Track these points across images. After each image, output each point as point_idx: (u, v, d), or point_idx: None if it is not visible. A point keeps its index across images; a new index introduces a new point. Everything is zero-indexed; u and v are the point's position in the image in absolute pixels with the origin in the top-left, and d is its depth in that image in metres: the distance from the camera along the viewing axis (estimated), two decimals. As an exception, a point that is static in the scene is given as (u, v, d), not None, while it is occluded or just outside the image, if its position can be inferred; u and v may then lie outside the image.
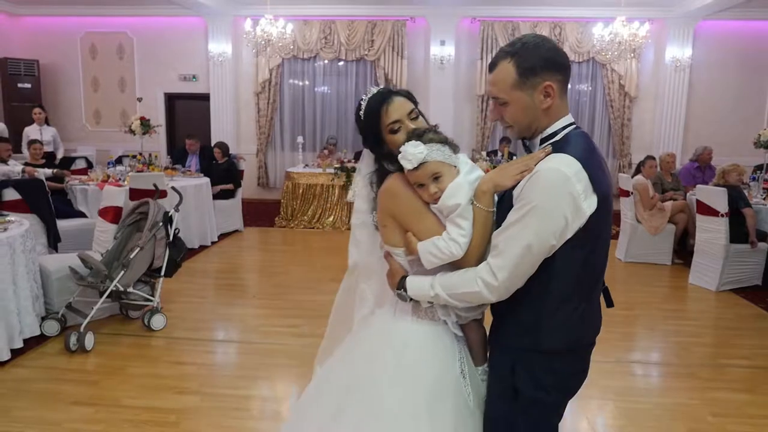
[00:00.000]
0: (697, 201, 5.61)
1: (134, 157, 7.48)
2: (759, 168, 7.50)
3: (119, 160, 7.62)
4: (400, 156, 1.54)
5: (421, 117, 1.67)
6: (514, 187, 1.45)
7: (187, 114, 10.71)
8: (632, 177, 6.53)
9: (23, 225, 3.84)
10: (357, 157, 9.08)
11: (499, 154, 8.82)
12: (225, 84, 10.07)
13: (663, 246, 6.37)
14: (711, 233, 5.42)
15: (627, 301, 5.00)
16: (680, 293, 5.50)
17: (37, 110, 7.97)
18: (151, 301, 4.12)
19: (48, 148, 7.47)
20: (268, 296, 5.09)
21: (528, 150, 1.59)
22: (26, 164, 6.17)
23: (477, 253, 1.48)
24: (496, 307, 1.59)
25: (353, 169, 8.04)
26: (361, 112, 1.66)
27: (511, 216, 1.42)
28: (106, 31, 10.27)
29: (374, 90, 1.67)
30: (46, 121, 8.22)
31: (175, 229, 4.18)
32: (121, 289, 3.87)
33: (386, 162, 1.66)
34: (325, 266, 6.12)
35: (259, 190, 10.46)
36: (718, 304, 5.10)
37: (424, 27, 9.78)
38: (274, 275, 5.83)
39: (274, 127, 10.34)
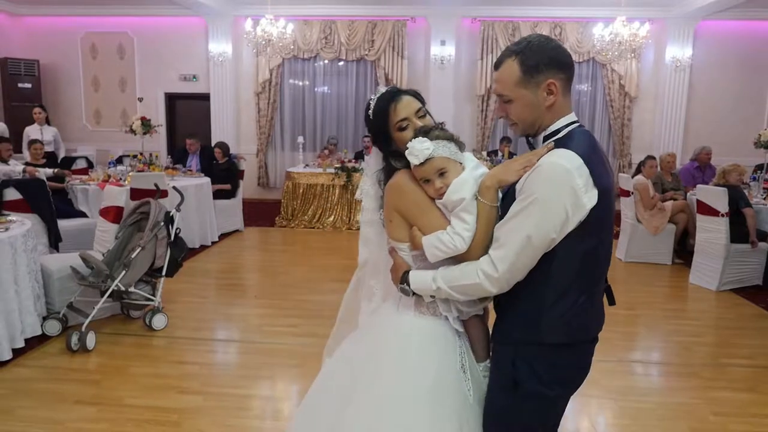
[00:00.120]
0: (698, 201, 5.61)
1: (135, 156, 7.49)
2: (759, 168, 7.50)
3: (120, 160, 7.62)
4: (407, 152, 1.58)
5: (428, 116, 1.71)
6: (517, 182, 1.48)
7: (187, 114, 10.71)
8: (632, 177, 6.53)
9: (25, 225, 3.84)
10: (357, 156, 9.10)
11: (500, 153, 8.83)
12: (225, 84, 10.08)
13: (663, 246, 6.37)
14: (711, 233, 5.42)
15: (628, 300, 5.01)
16: (681, 293, 5.51)
17: (37, 110, 7.96)
18: (153, 300, 4.12)
19: (49, 148, 7.47)
20: (269, 296, 5.09)
21: (531, 147, 1.61)
22: (27, 164, 6.17)
23: (480, 248, 1.50)
24: (497, 302, 1.61)
25: (353, 169, 8.07)
26: (370, 111, 1.71)
27: (513, 208, 1.45)
28: (107, 31, 10.27)
29: (383, 89, 1.72)
30: (47, 121, 8.21)
31: (176, 229, 4.19)
32: (123, 288, 3.87)
33: (393, 159, 1.69)
34: (326, 266, 6.12)
35: (260, 190, 10.47)
36: (719, 304, 5.10)
37: (424, 27, 9.78)
38: (275, 275, 5.83)
39: (274, 127, 10.35)
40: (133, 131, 7.46)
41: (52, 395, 3.12)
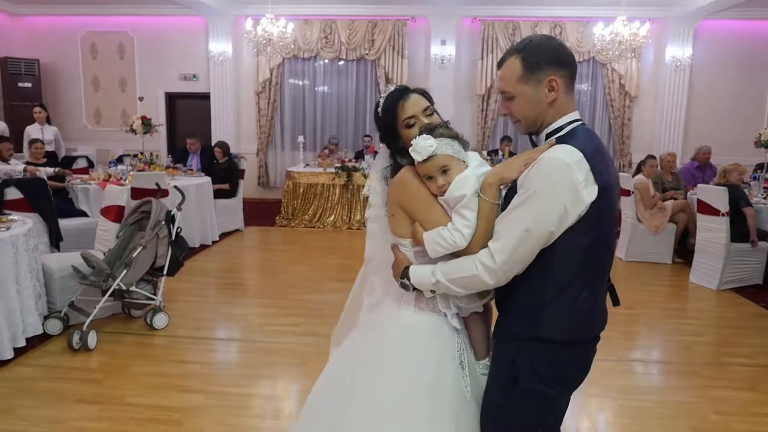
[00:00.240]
0: (698, 200, 5.62)
1: (135, 156, 7.49)
2: (759, 167, 7.51)
3: (120, 160, 7.61)
4: (411, 149, 1.60)
5: (436, 114, 1.74)
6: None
7: (187, 113, 10.71)
8: (633, 176, 6.54)
9: (26, 224, 3.84)
10: (357, 156, 9.10)
11: (500, 153, 8.83)
12: (225, 83, 10.08)
13: (664, 245, 6.38)
14: (712, 232, 5.43)
15: (628, 300, 5.00)
16: (681, 292, 5.52)
17: (37, 109, 7.96)
18: (154, 299, 4.13)
19: (49, 148, 7.46)
20: (270, 295, 5.10)
21: (534, 146, 1.62)
22: (28, 163, 6.16)
23: (480, 245, 1.51)
24: (499, 299, 1.63)
25: (354, 169, 8.07)
26: (380, 109, 1.75)
27: (513, 202, 1.46)
28: (107, 30, 10.27)
29: (392, 88, 1.76)
30: (48, 121, 8.22)
31: (178, 228, 4.19)
32: (124, 288, 3.88)
33: (400, 156, 1.72)
34: (326, 265, 6.13)
35: (260, 190, 10.47)
36: (719, 303, 5.11)
37: (424, 27, 9.79)
38: (276, 274, 5.84)
39: (274, 127, 10.35)
40: (133, 131, 7.46)
41: (53, 394, 3.13)
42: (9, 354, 3.46)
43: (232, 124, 10.21)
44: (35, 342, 3.74)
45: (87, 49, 10.39)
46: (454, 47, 9.64)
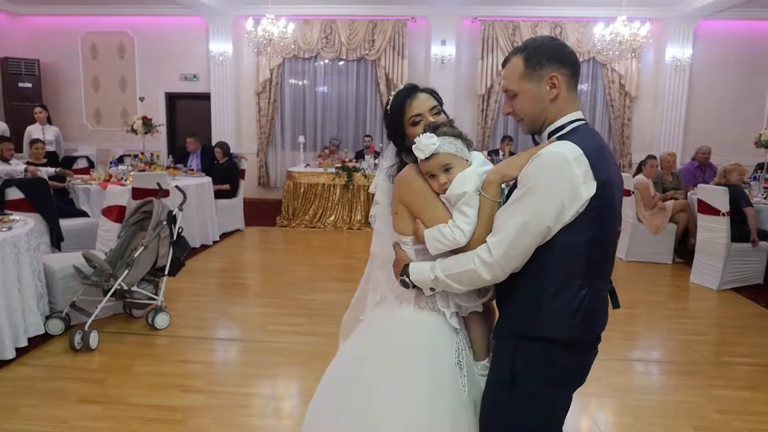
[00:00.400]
0: (699, 200, 5.63)
1: (136, 156, 7.49)
2: (760, 167, 7.52)
3: (121, 160, 7.61)
4: (414, 146, 1.62)
5: (443, 114, 1.76)
6: None
7: (187, 113, 10.72)
8: (633, 176, 6.54)
9: (27, 224, 3.84)
10: (358, 156, 9.11)
11: (501, 153, 8.83)
12: (226, 83, 10.08)
13: (664, 245, 6.39)
14: (712, 232, 5.43)
15: (629, 300, 5.01)
16: (682, 292, 5.52)
17: (38, 109, 7.97)
18: (155, 299, 4.13)
19: (50, 148, 7.46)
20: (271, 295, 5.10)
21: (537, 145, 1.61)
22: (28, 163, 6.16)
23: (481, 242, 1.51)
24: (498, 297, 1.63)
25: (354, 169, 8.07)
26: (389, 107, 1.77)
27: (512, 197, 1.47)
28: (107, 30, 10.27)
29: (402, 86, 1.80)
30: (49, 121, 8.22)
31: (179, 228, 4.19)
32: (125, 287, 3.88)
33: (405, 154, 1.74)
34: (327, 265, 6.13)
35: (260, 190, 10.47)
36: (720, 303, 5.12)
37: (424, 27, 9.79)
38: (276, 274, 5.84)
39: (274, 127, 10.35)
40: (134, 131, 7.46)
41: (55, 394, 3.13)
42: (11, 354, 3.46)
43: (232, 125, 10.21)
44: (37, 342, 3.73)
45: (87, 49, 10.39)
46: (454, 47, 9.64)
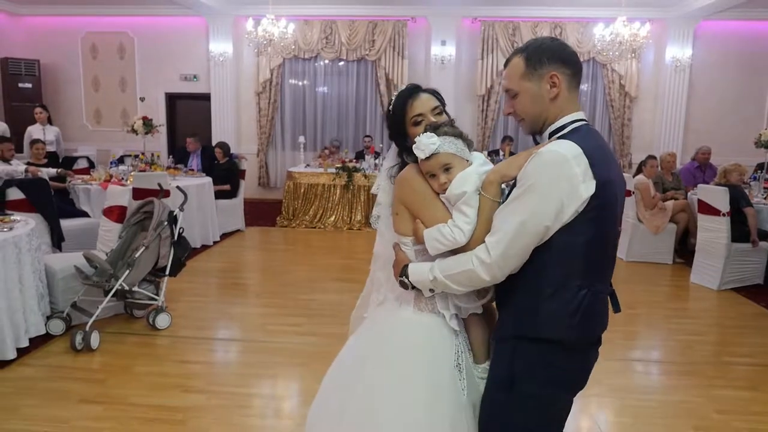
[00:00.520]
0: (699, 200, 5.63)
1: (137, 156, 7.49)
2: (760, 167, 7.52)
3: (121, 160, 7.62)
4: (414, 146, 1.62)
5: (445, 115, 1.76)
6: None
7: (187, 114, 10.72)
8: (633, 177, 6.55)
9: (29, 224, 3.85)
10: (358, 156, 9.11)
11: (501, 153, 8.84)
12: (226, 84, 10.08)
13: (664, 245, 6.39)
14: (712, 232, 5.44)
15: (629, 300, 5.01)
16: (682, 292, 5.53)
17: (38, 110, 7.97)
18: (156, 300, 4.13)
19: (51, 148, 7.47)
20: (271, 295, 5.10)
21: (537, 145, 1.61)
22: (29, 164, 6.17)
23: (480, 242, 1.50)
24: (498, 298, 1.62)
25: (354, 169, 8.08)
26: (391, 107, 1.77)
27: (511, 196, 1.46)
28: (107, 30, 10.27)
29: (402, 87, 1.80)
30: (49, 121, 8.22)
31: (180, 229, 4.19)
32: (126, 288, 3.88)
33: (406, 154, 1.75)
34: (327, 266, 6.13)
35: (260, 190, 10.48)
36: (720, 303, 5.12)
37: (424, 27, 9.80)
38: (277, 275, 5.84)
39: (275, 127, 10.36)
40: (134, 131, 7.46)
41: (56, 394, 3.13)
42: (12, 354, 3.47)
43: (232, 125, 10.22)
44: (38, 342, 3.74)
45: (87, 50, 10.39)
46: (454, 47, 9.65)
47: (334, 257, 6.55)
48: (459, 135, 1.63)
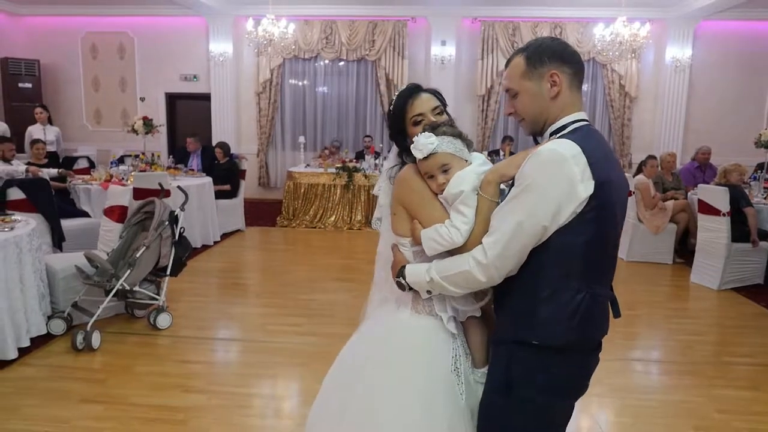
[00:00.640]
0: (699, 200, 5.64)
1: (137, 156, 7.49)
2: (760, 167, 7.53)
3: (121, 160, 7.62)
4: (412, 146, 1.60)
5: (446, 115, 1.75)
6: None
7: (187, 114, 10.72)
8: (633, 177, 6.55)
9: (30, 224, 3.85)
10: (358, 156, 9.11)
11: (501, 153, 8.85)
12: (226, 84, 10.08)
13: (664, 245, 6.40)
14: (713, 232, 5.44)
15: (629, 300, 5.02)
16: (682, 292, 5.53)
17: (38, 110, 7.97)
18: (157, 299, 4.13)
19: (51, 148, 7.47)
20: (272, 295, 5.10)
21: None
22: (29, 164, 6.17)
23: (478, 243, 1.47)
24: (496, 301, 1.60)
25: (354, 169, 8.08)
26: (392, 106, 1.76)
27: (509, 195, 1.44)
28: (107, 30, 10.27)
29: (403, 87, 1.79)
30: (50, 121, 8.22)
31: (181, 228, 4.19)
32: (127, 288, 3.88)
33: (405, 154, 1.73)
34: (327, 266, 6.14)
35: (260, 190, 10.48)
36: (720, 303, 5.13)
37: (425, 27, 9.80)
38: (277, 275, 5.84)
39: (275, 127, 10.36)
40: (135, 131, 7.46)
41: (57, 394, 3.13)
42: (13, 354, 3.47)
43: (232, 125, 10.22)
44: (39, 342, 3.74)
45: (87, 50, 10.39)
46: (454, 48, 9.65)
47: (334, 257, 6.55)
48: (458, 135, 1.61)
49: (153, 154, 7.89)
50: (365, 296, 2.04)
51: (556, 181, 1.36)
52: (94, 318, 3.75)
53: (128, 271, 3.87)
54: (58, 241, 4.78)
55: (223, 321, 4.44)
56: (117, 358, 3.62)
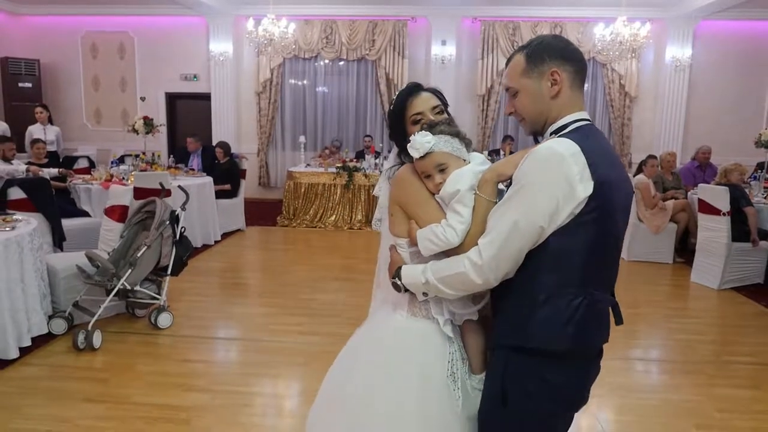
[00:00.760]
0: (699, 200, 5.64)
1: (137, 156, 7.49)
2: (760, 167, 7.53)
3: (122, 160, 7.62)
4: (408, 145, 1.57)
5: (446, 114, 1.72)
6: None
7: (188, 114, 10.73)
8: (633, 176, 6.56)
9: (31, 224, 3.85)
10: (358, 156, 9.12)
11: (501, 153, 8.85)
12: (226, 83, 10.09)
13: (665, 245, 6.41)
14: (713, 232, 5.45)
15: (630, 299, 5.03)
16: (683, 291, 5.54)
17: (38, 109, 7.97)
18: (158, 299, 4.13)
19: (51, 148, 7.47)
20: (272, 295, 5.10)
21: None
22: (30, 163, 6.17)
23: (475, 243, 1.43)
24: (493, 304, 1.57)
25: (355, 169, 8.08)
26: (392, 105, 1.75)
27: (506, 195, 1.41)
28: (107, 30, 10.27)
29: (403, 86, 1.77)
30: (50, 121, 8.22)
31: (182, 228, 4.20)
32: (128, 287, 3.89)
33: (404, 154, 1.70)
34: (328, 265, 6.14)
35: (260, 190, 10.48)
36: (721, 302, 5.13)
37: (425, 27, 9.80)
38: (278, 274, 5.85)
39: (275, 127, 10.36)
40: (135, 131, 7.46)
41: (59, 393, 3.13)
42: (14, 353, 3.47)
43: (232, 125, 10.22)
44: (40, 342, 3.74)
45: (87, 49, 10.39)
46: (454, 47, 9.65)
47: (334, 257, 6.56)
48: (456, 134, 1.57)
49: (153, 154, 7.89)
50: (366, 296, 2.04)
51: (553, 180, 1.33)
52: (95, 317, 3.76)
53: (129, 271, 3.87)
54: (58, 240, 4.78)
55: (224, 320, 4.44)
56: (118, 358, 3.62)
